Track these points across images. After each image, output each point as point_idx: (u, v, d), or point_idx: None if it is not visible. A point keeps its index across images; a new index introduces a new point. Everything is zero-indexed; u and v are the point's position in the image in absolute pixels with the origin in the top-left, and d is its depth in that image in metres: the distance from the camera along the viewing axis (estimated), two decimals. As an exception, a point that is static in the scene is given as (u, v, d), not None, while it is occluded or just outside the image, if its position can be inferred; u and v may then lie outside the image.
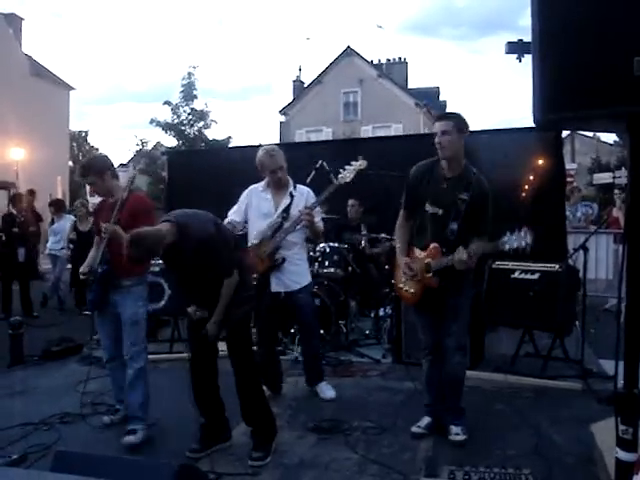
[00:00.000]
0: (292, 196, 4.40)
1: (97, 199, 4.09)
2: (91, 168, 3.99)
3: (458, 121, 3.57)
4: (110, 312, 3.92)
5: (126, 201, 3.83)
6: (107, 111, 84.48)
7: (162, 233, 3.10)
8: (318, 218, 4.48)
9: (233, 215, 4.43)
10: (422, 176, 3.68)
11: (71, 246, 9.03)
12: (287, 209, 4.36)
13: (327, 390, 4.61)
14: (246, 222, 4.45)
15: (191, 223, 3.24)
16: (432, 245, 3.62)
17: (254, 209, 4.43)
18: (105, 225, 3.75)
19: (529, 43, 1.86)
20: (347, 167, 4.36)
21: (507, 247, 3.37)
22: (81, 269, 4.01)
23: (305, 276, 4.54)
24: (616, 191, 10.12)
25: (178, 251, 3.19)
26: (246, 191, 4.51)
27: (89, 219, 8.64)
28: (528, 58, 1.95)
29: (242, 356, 3.55)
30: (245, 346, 3.59)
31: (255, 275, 4.28)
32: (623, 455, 1.90)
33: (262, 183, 4.46)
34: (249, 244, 4.39)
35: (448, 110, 38.60)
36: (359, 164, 4.36)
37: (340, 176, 4.37)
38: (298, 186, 4.51)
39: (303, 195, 4.44)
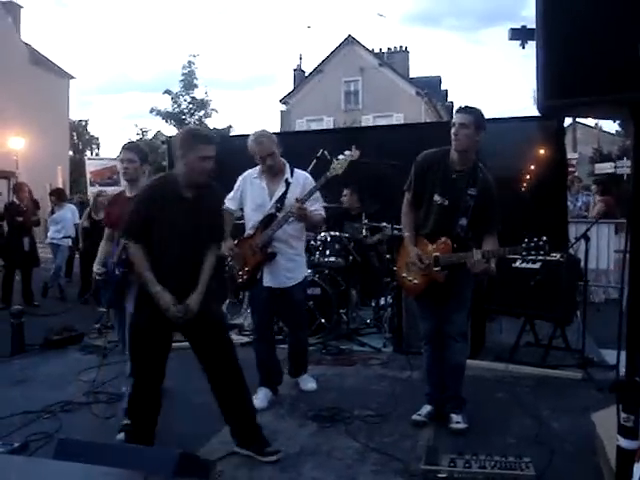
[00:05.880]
0: (288, 183, 4.18)
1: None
2: (139, 149, 4.12)
3: (478, 117, 3.57)
4: (123, 306, 3.93)
5: None
6: (109, 100, 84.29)
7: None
8: (316, 206, 4.25)
9: (228, 202, 4.19)
10: (432, 164, 3.68)
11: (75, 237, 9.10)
12: (282, 199, 4.14)
13: (309, 382, 4.57)
14: (242, 209, 4.32)
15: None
16: (443, 239, 3.62)
17: (249, 199, 4.24)
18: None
19: (533, 29, 1.84)
20: (339, 157, 4.16)
21: (525, 253, 3.44)
22: (95, 268, 3.98)
23: (300, 271, 4.35)
24: (593, 187, 10.24)
25: (198, 200, 3.20)
26: (241, 177, 4.33)
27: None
28: (531, 45, 1.93)
29: (229, 350, 3.37)
30: (229, 339, 3.44)
31: (247, 269, 4.18)
32: (624, 443, 1.91)
33: (257, 169, 4.23)
34: (245, 235, 4.26)
35: (450, 99, 38.64)
36: (351, 154, 4.16)
37: (332, 167, 4.15)
38: (296, 171, 4.29)
39: (299, 182, 4.20)
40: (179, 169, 3.20)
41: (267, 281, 4.18)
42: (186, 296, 3.16)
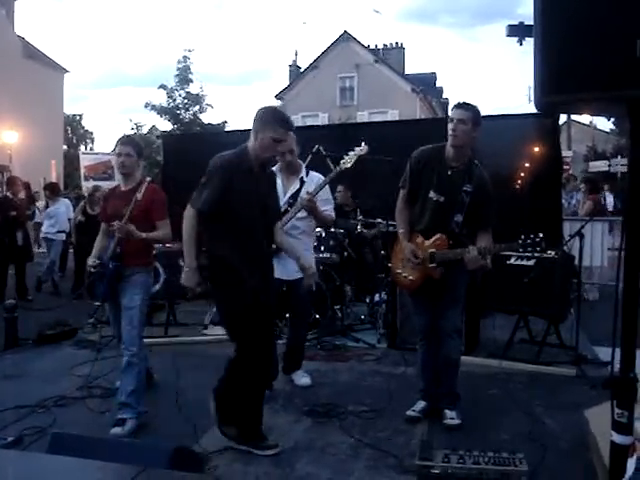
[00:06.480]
0: (302, 182, 4.35)
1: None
2: (135, 143, 4.13)
3: (475, 114, 3.58)
4: (117, 300, 3.92)
5: (143, 195, 3.84)
6: (103, 95, 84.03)
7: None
8: (328, 207, 4.41)
9: None
10: (427, 161, 3.68)
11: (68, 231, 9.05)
12: (295, 195, 4.29)
13: (303, 377, 4.58)
14: None
15: None
16: (438, 236, 3.62)
17: None
18: (118, 225, 3.74)
19: (531, 26, 1.83)
20: (350, 153, 4.30)
21: (521, 250, 3.48)
22: (90, 262, 3.97)
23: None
24: (581, 185, 10.35)
25: (261, 177, 3.33)
26: None
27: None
28: (528, 42, 1.93)
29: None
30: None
31: None
32: (618, 438, 1.92)
33: (275, 167, 4.32)
34: None
35: (445, 96, 38.68)
36: (360, 149, 4.30)
37: (342, 162, 4.30)
38: (311, 172, 4.46)
39: (313, 181, 4.35)
40: (251, 144, 3.28)
41: (276, 273, 4.19)
42: (258, 268, 3.30)
